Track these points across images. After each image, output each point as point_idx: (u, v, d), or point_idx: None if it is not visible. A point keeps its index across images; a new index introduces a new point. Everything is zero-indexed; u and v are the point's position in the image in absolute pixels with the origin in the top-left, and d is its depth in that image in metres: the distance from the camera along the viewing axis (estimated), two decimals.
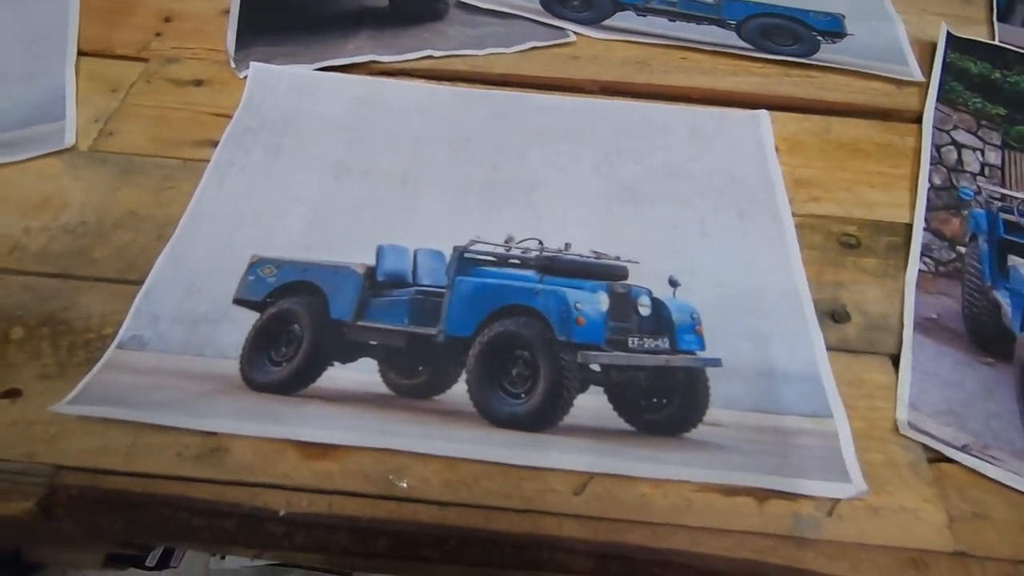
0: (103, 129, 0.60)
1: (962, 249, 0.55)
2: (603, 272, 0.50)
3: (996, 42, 0.73)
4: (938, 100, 0.66)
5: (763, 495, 0.41)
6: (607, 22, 0.73)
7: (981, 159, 0.62)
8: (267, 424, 0.43)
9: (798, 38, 0.72)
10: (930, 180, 0.60)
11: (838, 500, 0.41)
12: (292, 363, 0.48)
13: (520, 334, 0.46)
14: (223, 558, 0.96)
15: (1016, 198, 0.59)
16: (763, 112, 0.65)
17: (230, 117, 0.61)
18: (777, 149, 0.62)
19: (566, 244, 0.53)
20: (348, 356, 0.48)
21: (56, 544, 0.58)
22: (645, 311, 0.49)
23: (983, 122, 0.65)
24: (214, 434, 0.42)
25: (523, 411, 0.45)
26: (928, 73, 0.69)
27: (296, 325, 0.49)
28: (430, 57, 0.68)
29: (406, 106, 0.64)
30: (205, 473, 0.41)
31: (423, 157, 0.60)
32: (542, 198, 0.57)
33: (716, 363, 0.47)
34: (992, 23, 0.76)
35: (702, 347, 0.48)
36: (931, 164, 0.61)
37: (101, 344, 0.46)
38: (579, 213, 0.56)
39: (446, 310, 0.48)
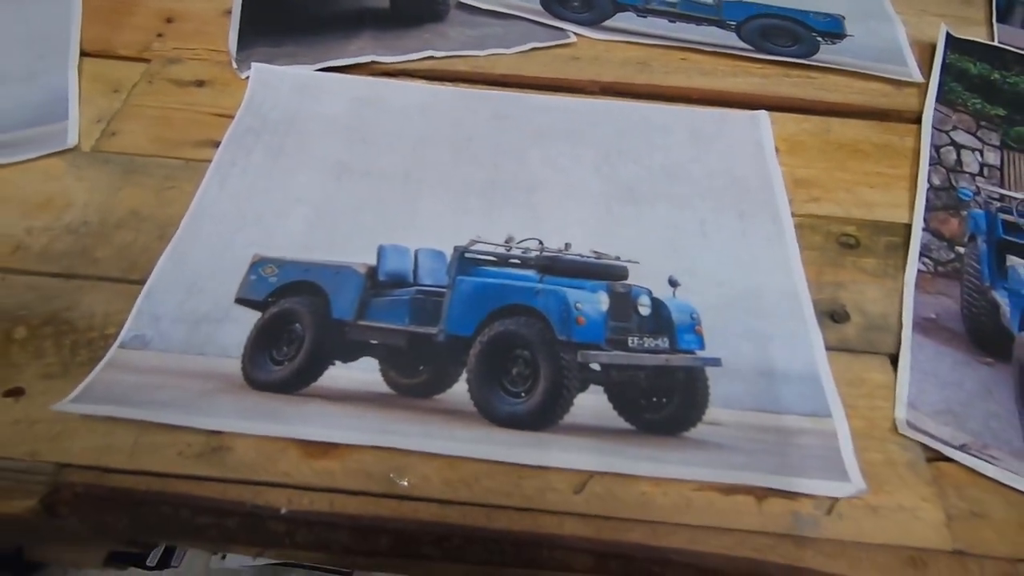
0: (105, 129, 0.61)
1: (961, 249, 0.56)
2: (603, 272, 0.51)
3: (995, 43, 0.73)
4: (937, 101, 0.66)
5: (762, 494, 0.42)
6: (607, 23, 0.73)
7: (980, 159, 0.62)
8: (269, 423, 0.43)
9: (798, 39, 0.72)
10: (929, 180, 0.60)
11: (837, 499, 0.42)
12: (294, 362, 0.48)
13: (520, 334, 0.47)
14: (224, 557, 0.96)
15: (1015, 198, 0.59)
16: (763, 113, 0.65)
17: (232, 117, 0.62)
18: (777, 150, 0.62)
19: (566, 244, 0.53)
20: (349, 355, 0.49)
21: (58, 543, 0.59)
22: (645, 311, 0.49)
23: (982, 123, 0.65)
24: (216, 433, 0.42)
25: (523, 410, 0.45)
26: (927, 74, 0.69)
27: (297, 324, 0.50)
28: (431, 58, 0.68)
29: (407, 106, 0.64)
30: (207, 471, 0.41)
31: (424, 157, 0.60)
32: (542, 198, 0.58)
33: (716, 363, 0.47)
34: (991, 24, 0.76)
35: (702, 347, 0.49)
36: (930, 164, 0.61)
37: (104, 343, 0.47)
38: (579, 213, 0.57)
39: (447, 310, 0.49)
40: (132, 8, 0.72)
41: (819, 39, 0.72)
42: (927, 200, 0.58)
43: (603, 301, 0.48)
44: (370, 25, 0.72)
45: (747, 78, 0.68)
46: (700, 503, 0.41)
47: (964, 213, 0.58)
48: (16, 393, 0.44)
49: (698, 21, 0.74)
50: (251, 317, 0.49)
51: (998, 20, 0.76)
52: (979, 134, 0.64)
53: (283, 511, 0.40)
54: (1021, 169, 0.62)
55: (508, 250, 0.52)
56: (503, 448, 0.43)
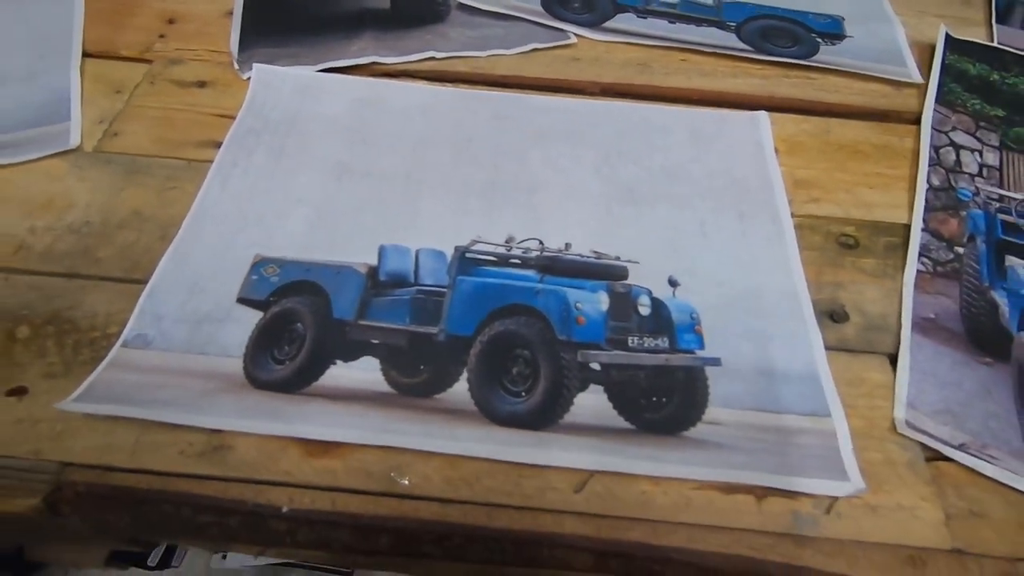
0: (107, 130, 0.61)
1: (960, 250, 0.56)
2: (603, 272, 0.51)
3: (995, 44, 0.73)
4: (937, 101, 0.66)
5: (762, 493, 0.42)
6: (608, 24, 0.74)
7: (979, 160, 0.63)
8: (270, 422, 0.43)
9: (798, 40, 0.72)
10: (928, 181, 0.60)
11: (836, 498, 0.42)
12: (295, 362, 0.48)
13: (521, 333, 0.47)
14: (224, 557, 0.96)
15: (1014, 199, 0.59)
16: (763, 113, 0.65)
17: (233, 118, 0.62)
18: (776, 150, 0.62)
19: (566, 244, 0.53)
20: (350, 355, 0.49)
21: (60, 542, 0.59)
22: (645, 311, 0.49)
23: (981, 123, 0.65)
24: (218, 432, 0.43)
25: (524, 409, 0.45)
26: (927, 75, 0.69)
27: (299, 324, 0.50)
28: (432, 58, 0.68)
29: (408, 107, 0.64)
30: (209, 470, 0.41)
31: (425, 158, 0.61)
32: (543, 199, 0.58)
33: (715, 362, 0.48)
34: (991, 25, 0.76)
35: (701, 346, 0.49)
36: (929, 165, 0.61)
37: (106, 343, 0.47)
38: (579, 214, 0.57)
39: (447, 309, 0.49)
40: (134, 9, 0.72)
41: (819, 40, 0.72)
42: (926, 200, 0.58)
43: (603, 301, 0.48)
44: (371, 26, 0.72)
45: (747, 79, 0.69)
46: (700, 502, 0.41)
47: (963, 213, 0.58)
48: (19, 392, 0.44)
49: (698, 22, 0.74)
50: (253, 317, 0.50)
51: (997, 21, 0.76)
52: (978, 135, 0.64)
53: (284, 510, 0.40)
54: (1020, 170, 0.62)
55: (508, 250, 0.52)
56: (503, 447, 0.43)
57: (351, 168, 0.59)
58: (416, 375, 0.48)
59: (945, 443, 0.44)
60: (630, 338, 0.48)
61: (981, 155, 0.63)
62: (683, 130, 0.64)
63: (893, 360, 0.49)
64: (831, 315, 0.51)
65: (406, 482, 0.41)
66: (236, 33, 0.70)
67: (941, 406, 0.46)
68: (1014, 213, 0.58)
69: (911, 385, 0.47)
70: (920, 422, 0.45)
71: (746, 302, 0.51)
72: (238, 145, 0.60)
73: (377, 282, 0.51)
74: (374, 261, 0.52)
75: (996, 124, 0.65)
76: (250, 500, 0.41)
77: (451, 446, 0.42)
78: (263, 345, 0.48)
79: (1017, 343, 0.50)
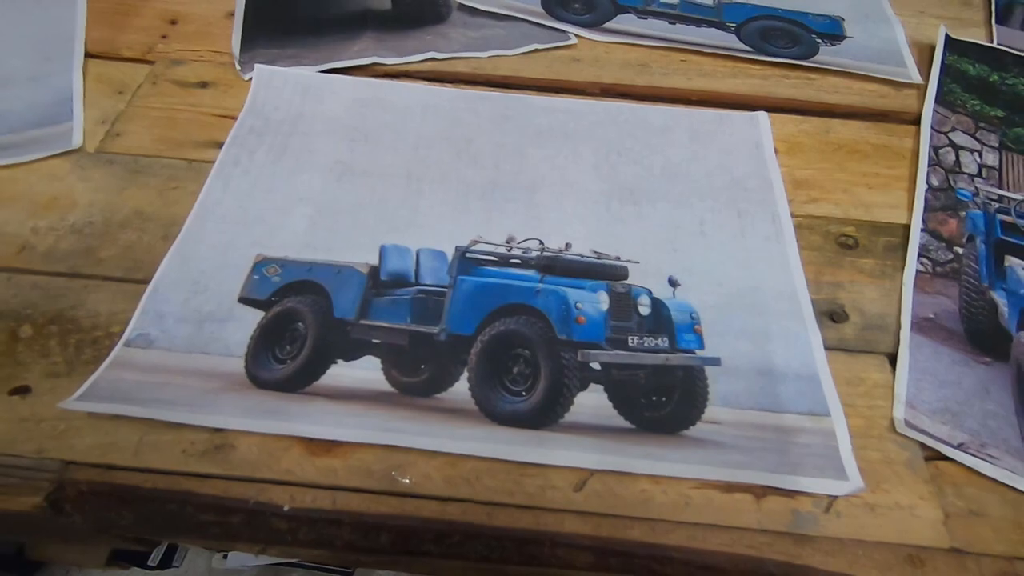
0: (110, 130, 0.61)
1: (959, 250, 0.56)
2: (603, 272, 0.51)
3: (994, 44, 0.73)
4: (936, 102, 0.66)
5: (761, 492, 0.42)
6: (608, 24, 0.74)
7: (979, 160, 0.63)
8: (272, 421, 0.43)
9: (797, 40, 0.72)
10: (928, 181, 0.60)
11: (835, 497, 0.42)
12: (296, 361, 0.48)
13: (521, 333, 0.47)
14: (225, 557, 0.96)
15: (1013, 199, 0.59)
16: (762, 114, 0.65)
17: (235, 118, 0.62)
18: (776, 150, 0.62)
19: (567, 244, 0.53)
20: (351, 354, 0.49)
21: (62, 541, 0.59)
22: (645, 310, 0.49)
23: (981, 124, 0.65)
24: (220, 430, 0.43)
25: (524, 409, 0.45)
26: (926, 75, 0.69)
27: (300, 323, 0.50)
28: (433, 59, 0.69)
29: (409, 107, 0.65)
30: (211, 469, 0.42)
31: (426, 158, 0.61)
32: (543, 199, 0.58)
33: (715, 362, 0.48)
34: (990, 25, 0.76)
35: (701, 346, 0.49)
36: (929, 165, 0.61)
37: (108, 342, 0.47)
38: (580, 213, 0.57)
39: (448, 309, 0.49)
40: (136, 10, 0.72)
41: (818, 41, 0.72)
42: (926, 201, 0.59)
43: (603, 301, 0.48)
44: (372, 27, 0.72)
45: (746, 79, 0.69)
46: (699, 501, 0.42)
47: (962, 214, 0.58)
48: (22, 391, 0.45)
49: (698, 23, 0.74)
50: (254, 316, 0.50)
51: (997, 21, 0.76)
52: (978, 135, 0.65)
53: (286, 508, 0.41)
54: (1019, 170, 0.62)
55: (509, 250, 0.52)
56: (504, 446, 0.43)
57: (352, 168, 0.60)
58: (417, 374, 0.49)
59: (944, 442, 0.45)
60: (630, 338, 0.48)
61: (980, 155, 0.63)
62: (683, 130, 0.64)
63: (892, 360, 0.49)
64: (830, 315, 0.51)
65: (407, 481, 0.41)
66: (238, 34, 0.70)
67: (940, 405, 0.46)
68: (1013, 213, 0.58)
69: (910, 385, 0.47)
70: (919, 421, 0.46)
71: (745, 302, 0.52)
72: (240, 145, 0.60)
73: (378, 282, 0.51)
74: (375, 261, 0.52)
75: (995, 124, 0.65)
76: (252, 499, 0.41)
77: (452, 445, 0.43)
78: (265, 344, 0.49)
79: (1016, 343, 0.50)
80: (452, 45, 0.70)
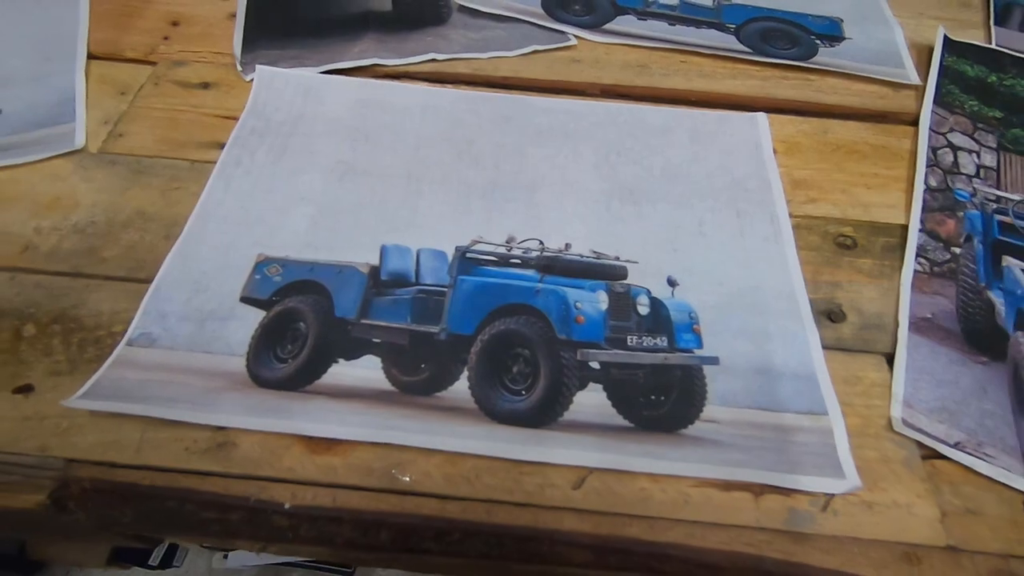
0: (112, 131, 0.61)
1: (957, 250, 0.56)
2: (603, 272, 0.51)
3: (993, 46, 0.74)
4: (935, 103, 0.67)
5: (759, 490, 0.42)
6: (608, 26, 0.74)
7: (977, 161, 0.63)
8: (273, 419, 0.44)
9: (796, 42, 0.73)
10: (926, 182, 0.60)
11: (833, 495, 0.42)
12: (297, 360, 0.49)
13: (521, 332, 0.47)
14: (226, 557, 0.97)
15: (1011, 200, 0.60)
16: (761, 114, 0.65)
17: (236, 119, 0.62)
18: (775, 151, 0.63)
19: (566, 244, 0.53)
20: (352, 353, 0.49)
21: (64, 539, 0.59)
22: (644, 310, 0.50)
23: (979, 125, 0.66)
24: (221, 429, 0.43)
25: (524, 407, 0.46)
26: (925, 76, 0.69)
27: (301, 323, 0.50)
28: (433, 60, 0.69)
29: (409, 108, 0.65)
30: (212, 467, 0.42)
31: (426, 158, 0.61)
32: (543, 199, 0.58)
33: (713, 361, 0.48)
34: (989, 27, 0.76)
35: (699, 345, 0.49)
36: (927, 166, 0.61)
37: (111, 341, 0.47)
38: (579, 213, 0.57)
39: (448, 308, 0.49)
40: (139, 11, 0.73)
41: (817, 42, 0.73)
42: (924, 201, 0.59)
43: (602, 300, 0.48)
44: (373, 28, 0.73)
45: (746, 80, 0.69)
46: (698, 499, 0.42)
47: (960, 214, 0.58)
48: (25, 389, 0.45)
49: (697, 24, 0.74)
50: (256, 315, 0.50)
51: (996, 23, 0.77)
52: (976, 136, 0.65)
53: (287, 506, 0.41)
54: (1017, 171, 0.63)
55: (509, 250, 0.53)
56: (503, 444, 0.43)
57: (353, 168, 0.60)
58: (417, 373, 0.49)
59: (941, 441, 0.45)
60: (629, 337, 0.48)
61: (978, 156, 0.63)
62: (682, 131, 0.64)
63: (890, 359, 0.49)
64: (828, 314, 0.52)
65: (407, 479, 0.42)
66: (239, 35, 0.70)
67: (937, 404, 0.47)
68: (1011, 214, 0.58)
69: (907, 384, 0.47)
70: (916, 420, 0.46)
71: (744, 301, 0.52)
72: (241, 146, 0.61)
73: (379, 281, 0.52)
74: (376, 261, 0.52)
75: (994, 125, 0.66)
76: (253, 496, 0.41)
77: (452, 443, 0.43)
78: (266, 343, 0.49)
79: (1013, 342, 0.50)
80: (452, 46, 0.71)
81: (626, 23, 0.74)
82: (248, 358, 0.48)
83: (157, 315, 0.49)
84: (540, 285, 0.49)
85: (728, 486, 0.42)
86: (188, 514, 0.41)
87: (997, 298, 0.52)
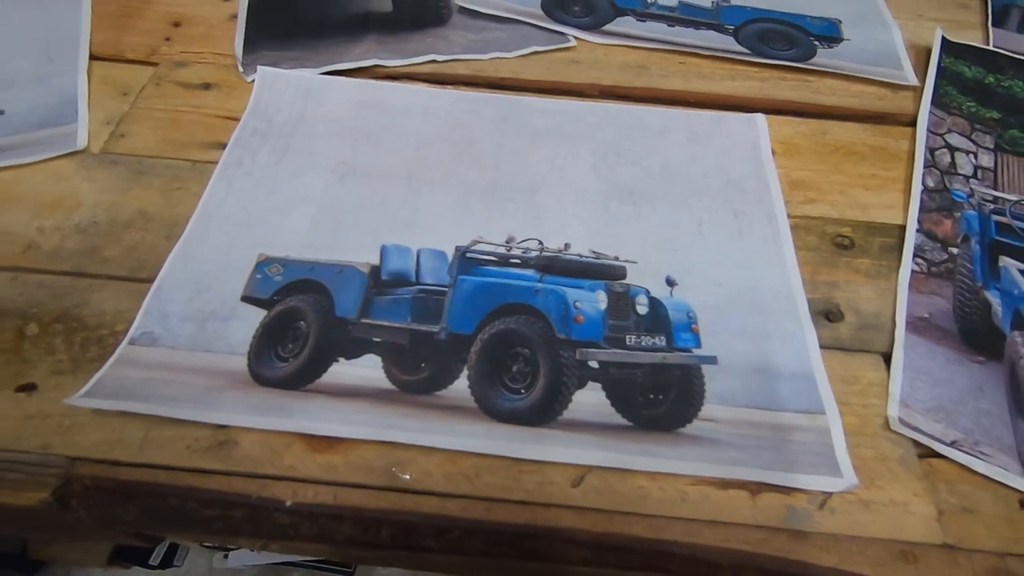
0: (114, 131, 0.62)
1: (954, 250, 0.56)
2: (602, 272, 0.52)
3: (990, 47, 0.74)
4: (932, 104, 0.67)
5: (757, 488, 0.43)
6: (607, 27, 0.74)
7: (974, 162, 0.63)
8: (274, 418, 0.44)
9: (795, 43, 0.73)
10: (923, 182, 0.61)
11: (830, 494, 0.42)
12: (298, 359, 0.49)
13: (520, 332, 0.48)
14: (226, 557, 0.97)
15: (1008, 200, 0.60)
16: (760, 115, 0.66)
17: (238, 120, 0.63)
18: (773, 152, 0.63)
19: (566, 244, 0.54)
20: (353, 352, 0.50)
21: (66, 537, 0.60)
22: (643, 310, 0.50)
23: (977, 126, 0.66)
24: (223, 427, 0.43)
25: (523, 406, 0.46)
26: (923, 77, 0.70)
27: (302, 322, 0.51)
28: (434, 61, 0.69)
29: (410, 109, 0.65)
30: (214, 465, 0.42)
31: (426, 159, 0.61)
32: (543, 199, 0.59)
33: (711, 360, 0.48)
34: (987, 28, 0.77)
35: (698, 345, 0.49)
36: (925, 167, 0.62)
37: (113, 340, 0.48)
38: (579, 214, 0.58)
39: (448, 308, 0.50)
40: (140, 13, 0.73)
41: (816, 43, 0.73)
42: (921, 202, 0.59)
43: (602, 300, 0.49)
44: (373, 29, 0.73)
45: (744, 82, 0.69)
46: (696, 497, 0.42)
47: (957, 215, 0.59)
48: (28, 388, 0.45)
49: (696, 25, 0.75)
50: (257, 315, 0.50)
51: (993, 24, 0.77)
52: (973, 137, 0.65)
53: (288, 504, 0.41)
54: (1014, 171, 0.63)
55: (508, 250, 0.53)
56: (503, 443, 0.43)
57: (354, 168, 0.60)
58: (417, 372, 0.49)
59: (937, 440, 0.45)
60: (628, 337, 0.49)
61: (976, 157, 0.64)
62: (681, 131, 0.65)
63: (887, 359, 0.50)
64: (826, 314, 0.52)
65: (407, 477, 0.42)
66: (241, 36, 0.71)
67: (934, 404, 0.47)
68: (1008, 214, 0.58)
69: (904, 383, 0.48)
70: (913, 419, 0.46)
71: (742, 301, 0.52)
72: (242, 146, 0.61)
73: (379, 281, 0.52)
74: (376, 260, 0.53)
75: (991, 126, 0.66)
76: (254, 494, 0.41)
77: (451, 442, 0.43)
78: (267, 343, 0.49)
79: (1009, 342, 0.50)
80: (453, 47, 0.71)
81: (625, 24, 0.75)
82: (249, 357, 0.48)
83: (159, 314, 0.49)
84: (539, 285, 0.49)
85: (726, 484, 0.43)
86: (190, 512, 0.41)
87: (994, 298, 0.53)
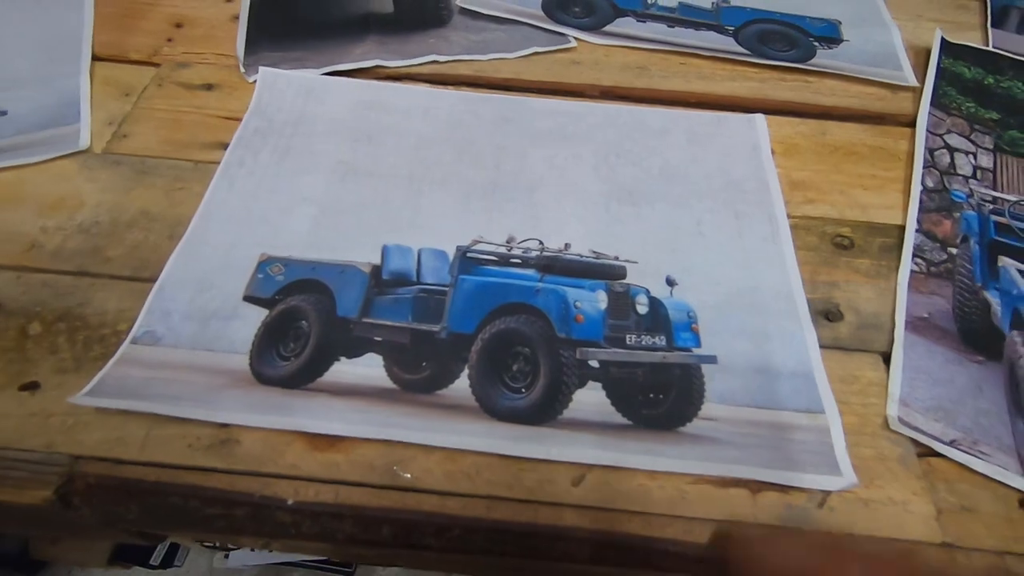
0: (117, 131, 0.62)
1: (953, 250, 0.57)
2: (602, 271, 0.52)
3: (990, 48, 0.74)
4: (932, 104, 0.67)
5: (756, 487, 0.43)
6: (607, 28, 0.75)
7: (973, 162, 0.63)
8: (275, 416, 0.44)
9: (795, 44, 0.73)
10: (923, 183, 0.61)
11: (829, 492, 0.43)
12: (300, 358, 0.49)
13: (521, 331, 0.48)
14: (227, 556, 0.97)
15: (1007, 200, 0.60)
16: (759, 116, 0.66)
17: (239, 120, 0.63)
18: (773, 152, 0.63)
19: (566, 244, 0.54)
20: (354, 351, 0.50)
21: (68, 536, 0.60)
22: (643, 309, 0.50)
23: (976, 126, 0.66)
24: (225, 426, 0.44)
25: (524, 405, 0.46)
26: (922, 78, 0.70)
27: (304, 321, 0.51)
28: (435, 62, 0.70)
29: (411, 109, 0.65)
30: (216, 463, 0.42)
31: (427, 159, 0.62)
32: (543, 199, 0.59)
33: (711, 360, 0.48)
34: (986, 29, 0.77)
35: (698, 344, 0.50)
36: (924, 167, 0.62)
37: (116, 339, 0.48)
38: (579, 214, 0.58)
39: (449, 308, 0.50)
40: (143, 13, 0.73)
41: (816, 44, 0.73)
42: (920, 202, 0.59)
43: (602, 300, 0.49)
44: (375, 30, 0.73)
45: (744, 82, 0.70)
46: (695, 496, 0.42)
47: (957, 215, 0.59)
48: (31, 387, 0.45)
49: (696, 26, 0.75)
50: (259, 314, 0.51)
51: (993, 25, 0.77)
52: (973, 137, 0.65)
53: (290, 502, 0.41)
54: (1013, 172, 0.63)
55: (509, 250, 0.53)
56: (504, 442, 0.44)
57: (355, 168, 0.60)
58: (418, 371, 0.49)
59: (936, 439, 0.45)
60: (628, 336, 0.49)
61: (975, 157, 0.64)
62: (681, 132, 0.65)
63: (886, 358, 0.50)
64: (826, 314, 0.52)
65: (408, 475, 0.42)
66: (242, 37, 0.71)
67: (933, 403, 0.47)
68: (1007, 214, 0.58)
69: (904, 383, 0.48)
70: (912, 419, 0.46)
71: (742, 301, 0.52)
72: (244, 146, 0.61)
73: (380, 281, 0.52)
74: (377, 260, 0.53)
75: (990, 127, 0.66)
76: (256, 492, 0.41)
77: (452, 440, 0.43)
78: (269, 342, 0.49)
79: (1009, 342, 0.51)
80: (453, 48, 0.71)
81: (625, 25, 0.75)
82: (251, 356, 0.48)
83: (161, 314, 0.49)
84: (540, 284, 0.49)
85: (725, 483, 0.43)
86: (192, 510, 0.42)
87: (993, 298, 0.53)
